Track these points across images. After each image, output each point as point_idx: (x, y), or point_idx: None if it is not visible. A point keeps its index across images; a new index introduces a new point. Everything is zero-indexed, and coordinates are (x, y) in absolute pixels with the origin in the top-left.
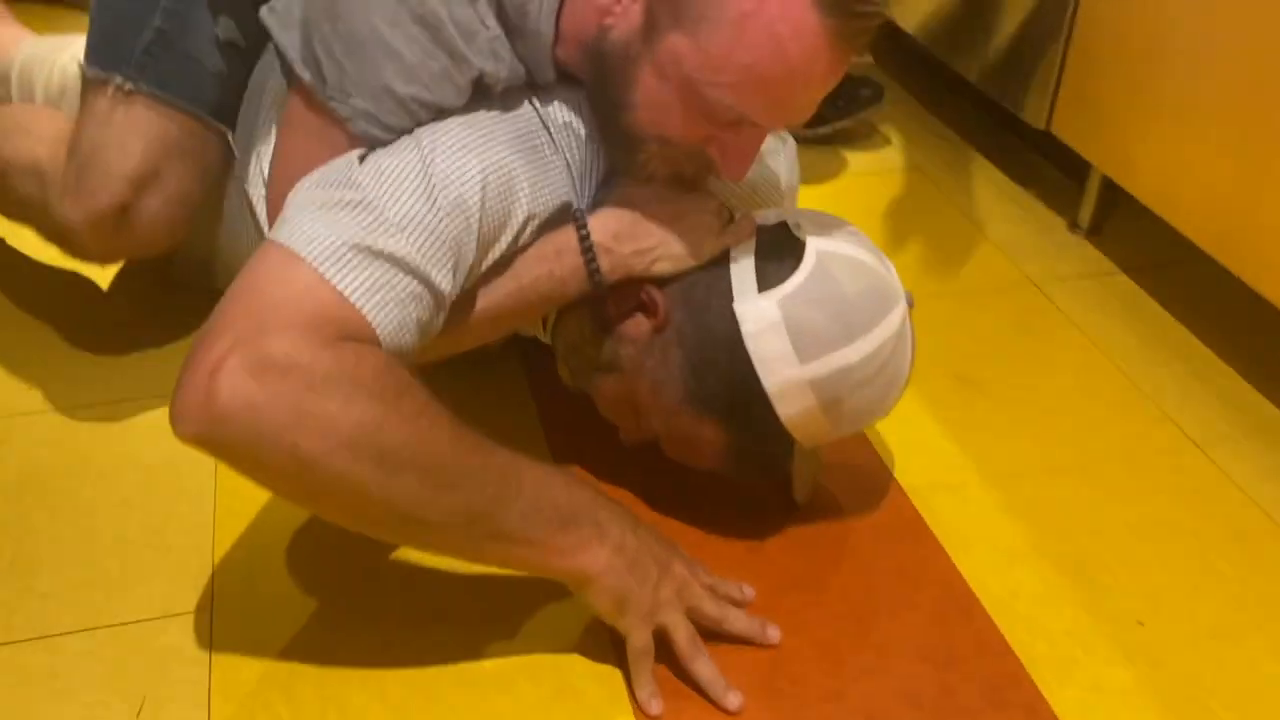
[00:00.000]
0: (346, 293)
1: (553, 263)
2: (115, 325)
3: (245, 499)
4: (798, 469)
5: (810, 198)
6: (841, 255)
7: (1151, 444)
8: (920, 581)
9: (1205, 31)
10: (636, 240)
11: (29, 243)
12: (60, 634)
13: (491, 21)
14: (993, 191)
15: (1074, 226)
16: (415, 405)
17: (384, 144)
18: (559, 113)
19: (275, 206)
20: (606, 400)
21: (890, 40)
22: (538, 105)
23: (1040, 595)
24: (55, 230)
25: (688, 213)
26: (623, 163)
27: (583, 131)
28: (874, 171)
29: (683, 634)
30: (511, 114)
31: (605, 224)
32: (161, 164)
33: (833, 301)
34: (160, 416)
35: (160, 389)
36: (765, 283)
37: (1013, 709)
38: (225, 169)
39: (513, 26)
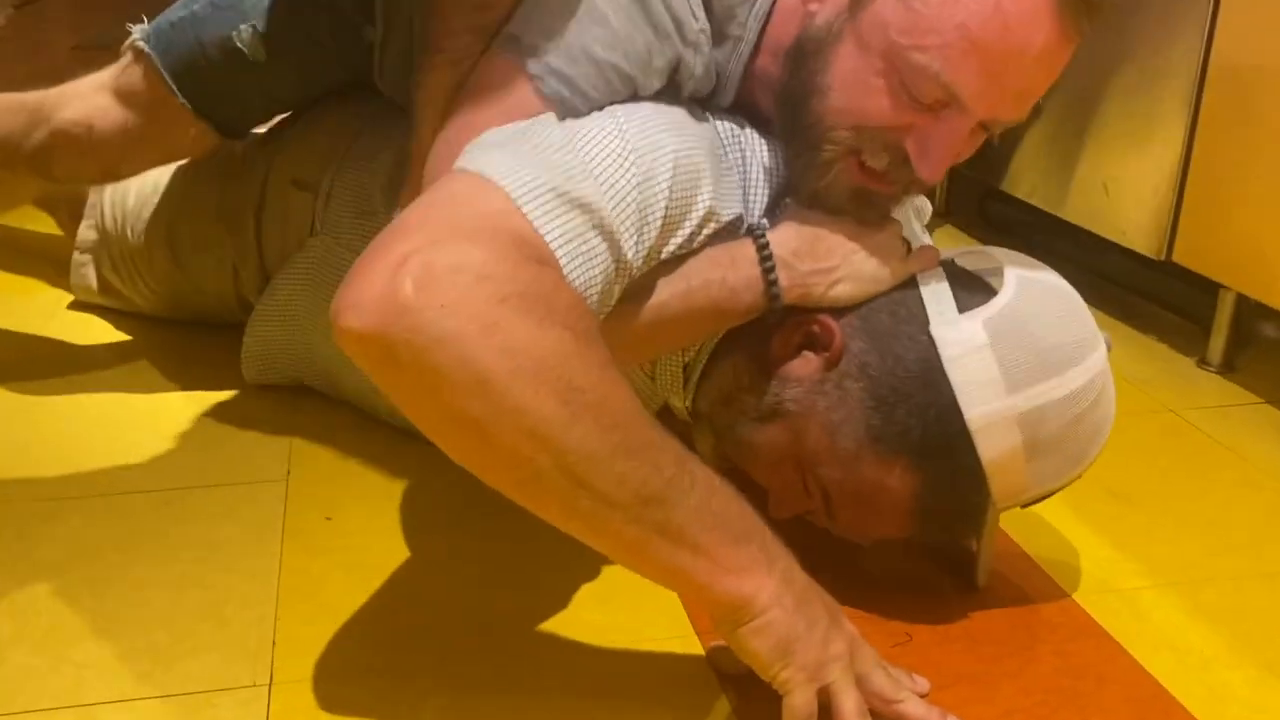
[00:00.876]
0: (544, 234)
1: (727, 269)
2: (175, 412)
3: (312, 578)
4: (985, 539)
5: None
6: (1043, 281)
7: None
8: (1105, 680)
9: None
10: (817, 259)
11: (92, 331)
12: (94, 703)
13: (701, 15)
14: (1113, 329)
15: (1203, 363)
16: (603, 355)
17: (571, 114)
18: (734, 133)
19: (435, 153)
20: (765, 456)
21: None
22: (717, 123)
23: (1252, 699)
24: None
25: (871, 233)
26: (804, 172)
27: (754, 158)
28: None
29: (851, 703)
30: (696, 120)
31: (785, 238)
32: (124, 113)
33: (1041, 328)
34: (221, 501)
35: (220, 478)
36: (964, 305)
37: None
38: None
39: (717, 28)
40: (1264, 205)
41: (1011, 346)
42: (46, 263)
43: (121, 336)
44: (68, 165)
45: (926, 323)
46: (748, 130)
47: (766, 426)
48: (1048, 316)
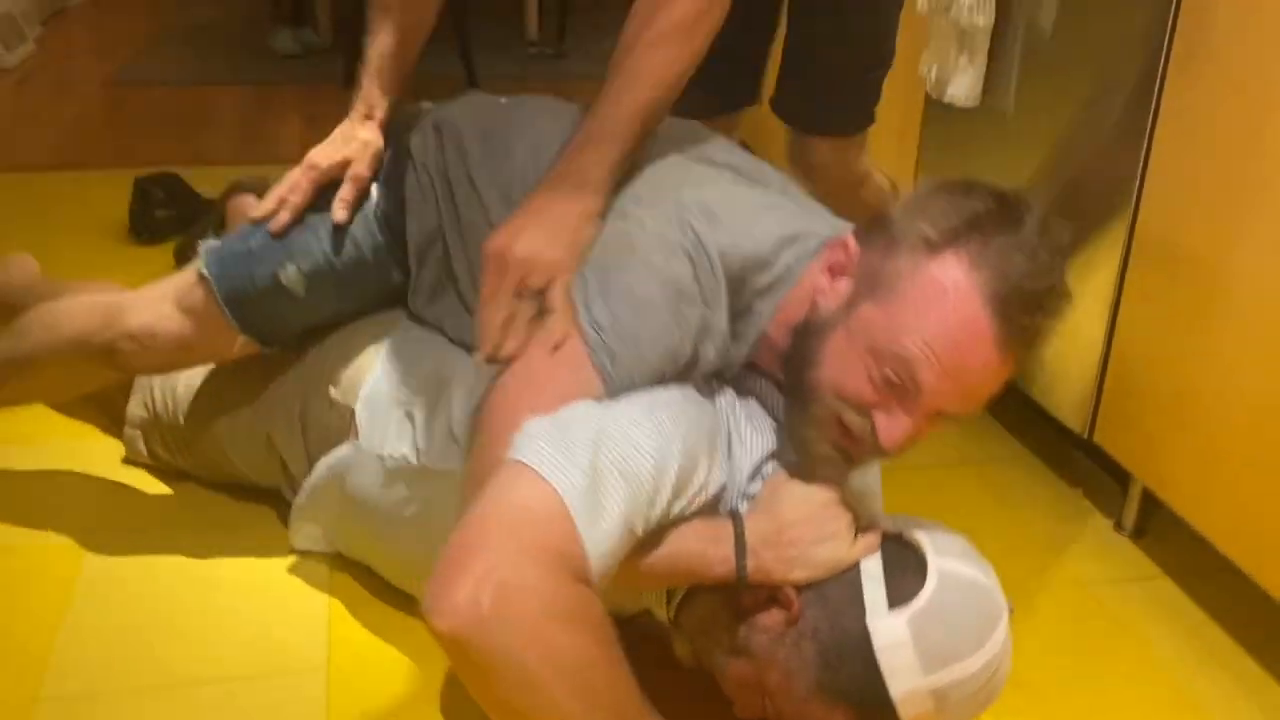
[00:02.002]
0: (585, 537)
1: (708, 545)
2: (217, 584)
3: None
4: None
5: None
6: (959, 575)
7: None
8: None
9: (1239, 355)
10: (781, 548)
11: (143, 481)
12: None
13: (723, 318)
14: (1041, 490)
15: (1119, 527)
16: (617, 655)
17: (612, 390)
18: (733, 405)
19: (500, 411)
20: (734, 681)
21: None
22: (725, 395)
23: None
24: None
25: (826, 526)
26: (798, 422)
27: (749, 424)
28: (927, 465)
29: None
30: (705, 401)
31: (757, 527)
32: (183, 323)
33: (954, 620)
34: (264, 694)
35: (262, 667)
36: (895, 598)
37: None
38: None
39: (742, 306)
40: (1171, 408)
41: (928, 638)
42: (104, 415)
43: (164, 489)
44: (132, 361)
45: (864, 613)
46: (749, 400)
47: (735, 660)
48: (960, 610)
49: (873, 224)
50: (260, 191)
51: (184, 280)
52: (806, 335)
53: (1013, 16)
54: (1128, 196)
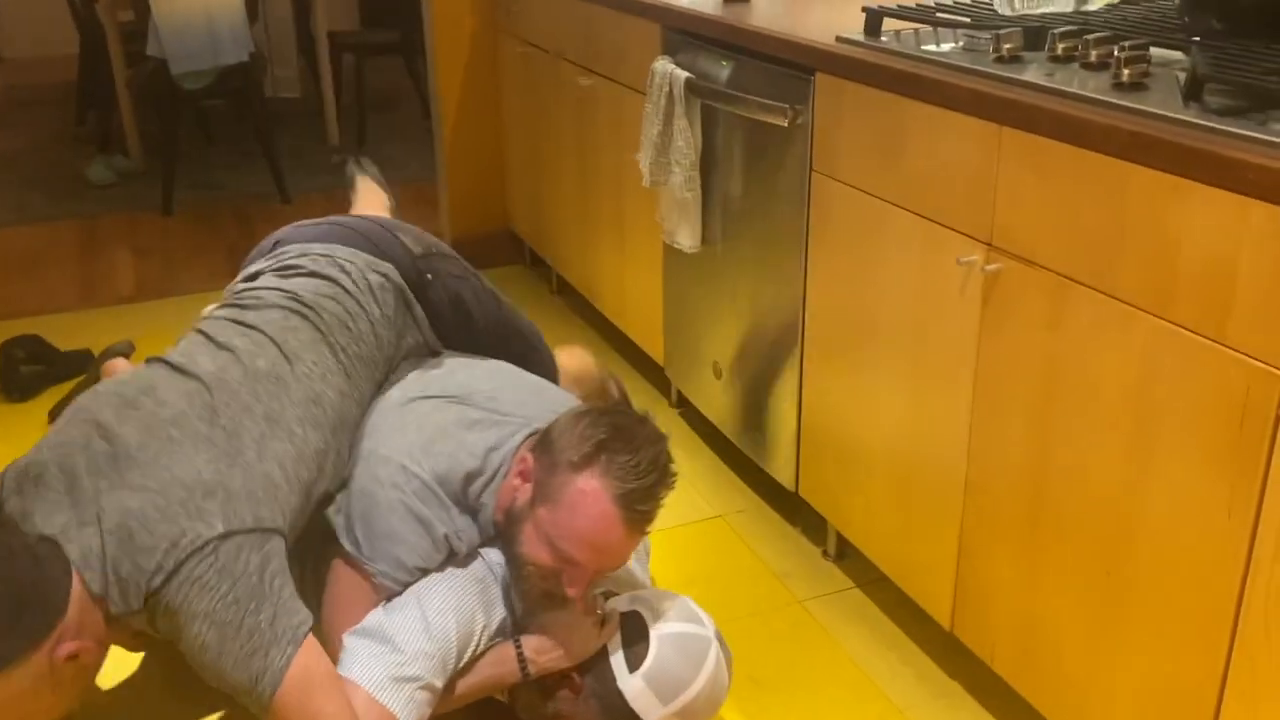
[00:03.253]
0: (391, 708)
1: (499, 667)
2: None
3: None
4: None
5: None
6: (672, 633)
7: (870, 712)
8: None
9: (885, 414)
10: (549, 652)
11: None
12: None
13: (460, 519)
14: (770, 529)
15: (825, 554)
16: None
17: (395, 590)
18: (495, 556)
19: (330, 624)
20: None
21: (698, 419)
22: (483, 555)
23: None
24: None
25: (576, 629)
26: (516, 580)
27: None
28: (690, 521)
29: None
30: (469, 567)
31: (530, 643)
32: None
33: (674, 665)
34: None
35: None
36: (632, 664)
37: None
38: None
39: (470, 508)
40: (846, 472)
41: (660, 683)
42: None
43: None
44: None
45: (614, 679)
46: (497, 552)
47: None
48: (676, 657)
49: (543, 439)
50: (126, 354)
51: None
52: (510, 521)
53: (714, 190)
54: (797, 306)
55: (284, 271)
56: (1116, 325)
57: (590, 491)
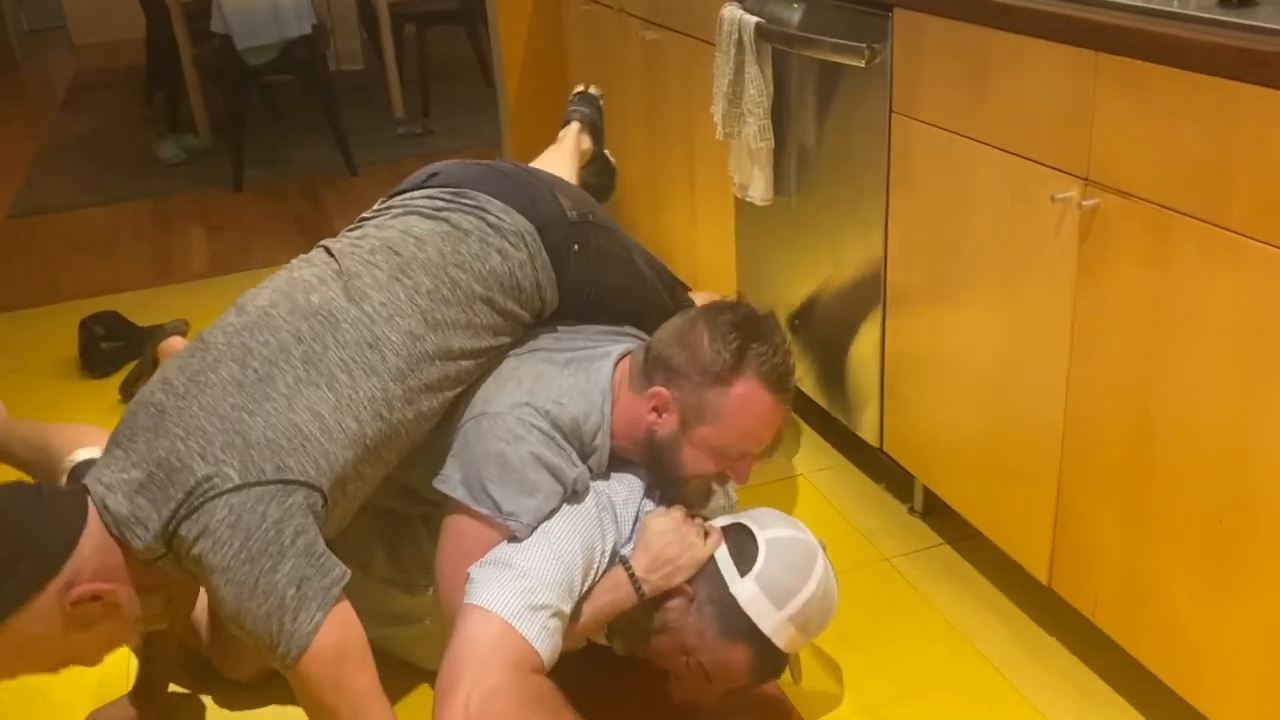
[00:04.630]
0: (528, 638)
1: (614, 593)
2: None
3: None
4: (792, 664)
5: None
6: (780, 538)
7: (966, 670)
8: None
9: (971, 372)
10: (659, 569)
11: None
12: None
13: (578, 461)
14: (853, 488)
15: (911, 510)
16: (572, 715)
17: (525, 537)
18: (610, 490)
19: (446, 577)
20: (662, 651)
21: None
22: (601, 490)
23: None
24: None
25: (682, 542)
26: (675, 492)
27: (619, 501)
28: (773, 480)
29: None
30: (586, 503)
31: (639, 561)
32: None
33: (785, 568)
34: None
35: None
36: (743, 569)
37: None
38: None
39: (590, 449)
40: (936, 423)
41: (773, 587)
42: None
43: None
44: None
45: (726, 584)
46: (611, 483)
47: (660, 635)
48: (787, 560)
49: (655, 366)
50: (184, 333)
51: None
52: (659, 451)
53: (788, 139)
54: (878, 256)
55: (413, 203)
56: (1226, 257)
57: (750, 393)
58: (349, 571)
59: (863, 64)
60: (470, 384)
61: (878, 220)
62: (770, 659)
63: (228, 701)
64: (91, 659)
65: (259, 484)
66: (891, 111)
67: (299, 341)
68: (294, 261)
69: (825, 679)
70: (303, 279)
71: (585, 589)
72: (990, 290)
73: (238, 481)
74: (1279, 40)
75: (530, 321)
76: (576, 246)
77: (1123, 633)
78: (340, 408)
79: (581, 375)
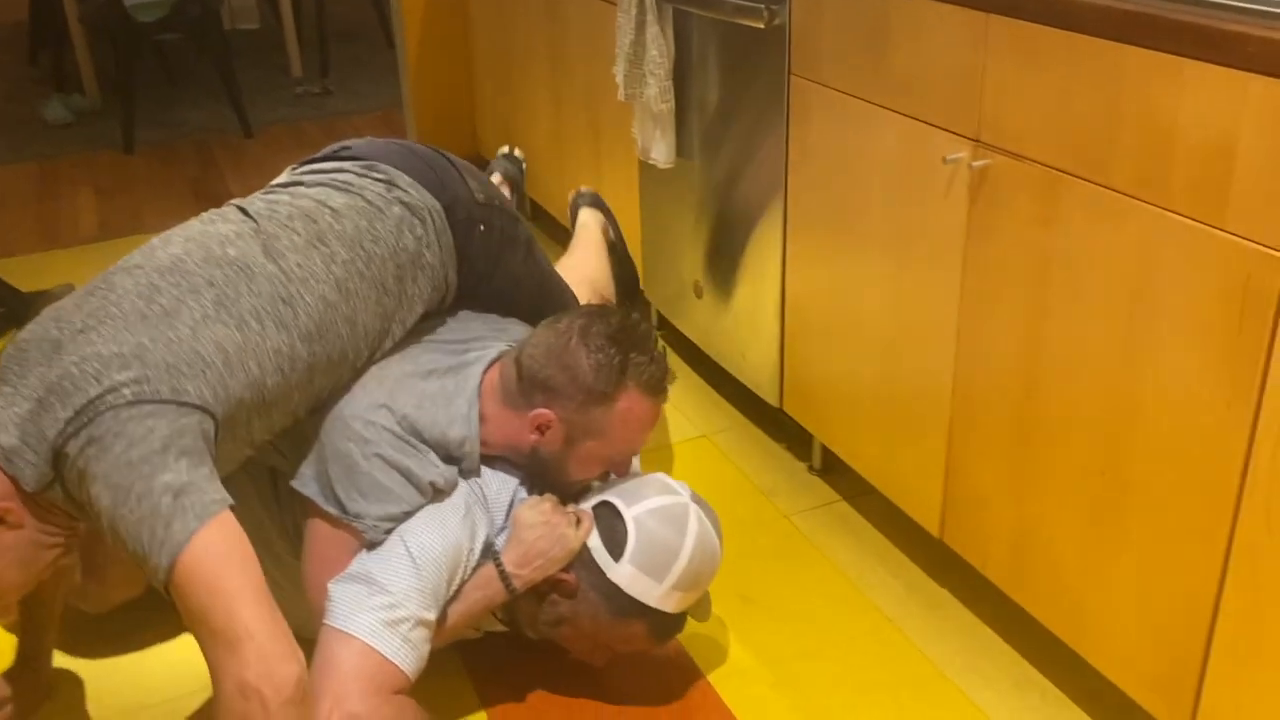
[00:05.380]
0: (386, 655)
1: (484, 589)
2: None
3: None
4: (693, 610)
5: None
6: (646, 510)
7: (862, 623)
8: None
9: (869, 326)
10: (531, 563)
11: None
12: None
13: (438, 462)
14: (754, 447)
15: (810, 469)
16: None
17: (379, 540)
18: (483, 481)
19: (317, 585)
20: (570, 640)
21: (679, 340)
22: (473, 483)
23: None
24: None
25: (553, 535)
26: (561, 493)
27: (491, 493)
28: (676, 441)
29: None
30: (454, 500)
31: (511, 556)
32: None
33: (656, 541)
34: None
35: None
36: (615, 553)
37: None
38: None
39: (449, 455)
40: (831, 385)
41: (648, 563)
42: None
43: None
44: None
45: (603, 571)
46: (484, 474)
47: (559, 627)
48: (656, 533)
49: (533, 386)
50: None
51: None
52: (544, 464)
53: (690, 101)
54: (777, 218)
55: (326, 174)
56: (1111, 217)
57: (633, 405)
58: (231, 500)
59: (762, 25)
60: (354, 375)
61: (777, 182)
62: (667, 622)
63: (111, 677)
64: (6, 589)
65: (151, 401)
66: (790, 74)
67: (211, 286)
68: (204, 215)
69: (727, 636)
70: (218, 232)
71: (455, 588)
72: (884, 250)
73: (129, 398)
74: (1165, 4)
75: (432, 305)
76: (482, 227)
77: (1010, 583)
78: (245, 349)
79: (448, 382)
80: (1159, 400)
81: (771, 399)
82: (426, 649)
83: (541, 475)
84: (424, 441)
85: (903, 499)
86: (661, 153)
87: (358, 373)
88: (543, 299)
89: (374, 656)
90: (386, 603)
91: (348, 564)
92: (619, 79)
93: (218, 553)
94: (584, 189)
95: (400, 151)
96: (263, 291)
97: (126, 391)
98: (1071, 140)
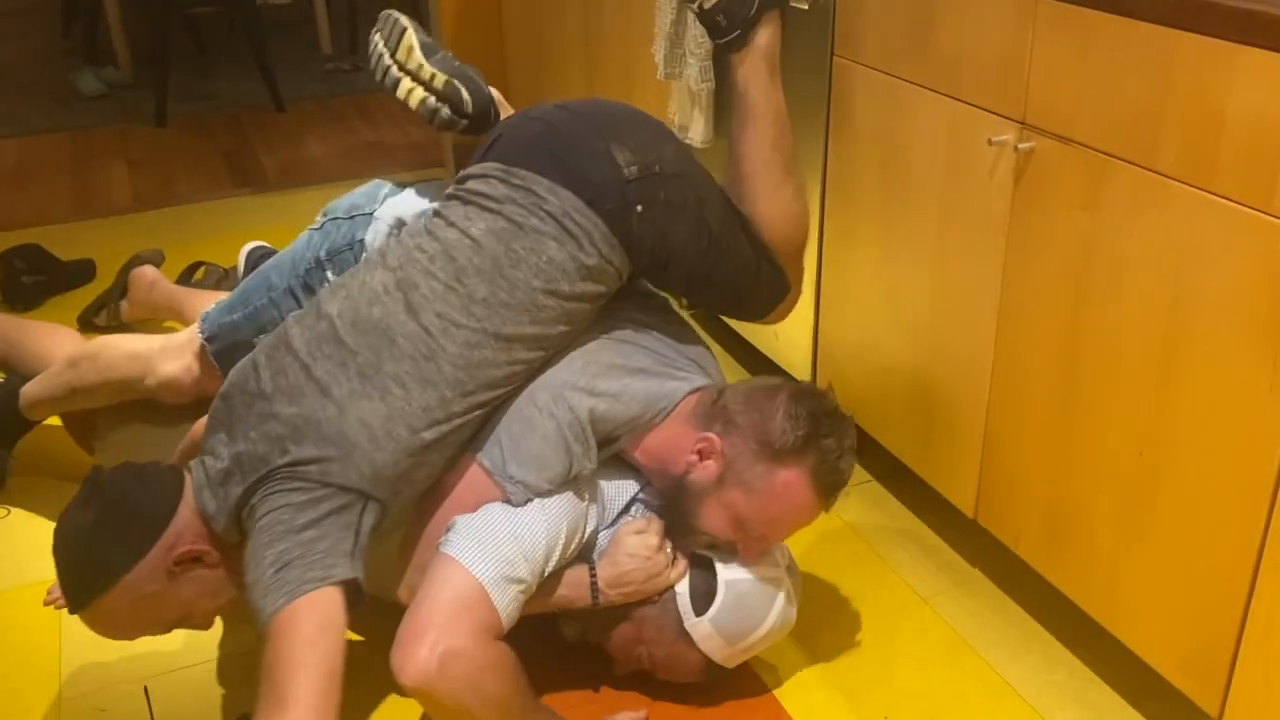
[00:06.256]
0: (497, 606)
1: (570, 590)
2: None
3: None
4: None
5: None
6: (740, 581)
7: (893, 600)
8: None
9: (905, 305)
10: (620, 587)
11: None
12: None
13: (594, 457)
14: None
15: None
16: (524, 682)
17: (517, 502)
18: (605, 482)
19: (444, 519)
20: (619, 641)
21: (708, 320)
22: (601, 486)
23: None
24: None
25: (649, 569)
26: (681, 540)
27: (610, 497)
28: None
29: None
30: (580, 492)
31: (605, 573)
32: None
33: (741, 611)
34: None
35: None
36: (699, 609)
37: None
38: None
39: (610, 441)
40: (867, 360)
41: (727, 627)
42: None
43: None
44: (165, 397)
45: (681, 620)
46: (606, 472)
47: (620, 625)
48: (742, 605)
49: (719, 414)
50: (156, 262)
51: (188, 338)
52: (684, 493)
53: (730, 81)
54: (815, 198)
55: (474, 193)
56: (1156, 201)
57: (797, 483)
58: (339, 578)
59: (805, 6)
60: (530, 378)
61: (816, 162)
62: (719, 671)
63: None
64: (201, 621)
65: (302, 480)
66: (833, 54)
67: (356, 355)
68: (367, 258)
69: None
70: (370, 287)
71: (555, 567)
72: (924, 232)
73: (284, 475)
74: None
75: (615, 286)
76: (639, 207)
77: (1044, 563)
78: (392, 418)
79: (654, 385)
80: (1199, 383)
81: (803, 378)
82: (518, 616)
83: (674, 507)
84: (598, 434)
85: (937, 479)
86: (699, 132)
87: (534, 375)
88: (722, 267)
89: (487, 604)
90: (511, 558)
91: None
92: (658, 58)
93: (296, 628)
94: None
95: (543, 139)
96: (404, 354)
97: (284, 472)
98: (1119, 124)
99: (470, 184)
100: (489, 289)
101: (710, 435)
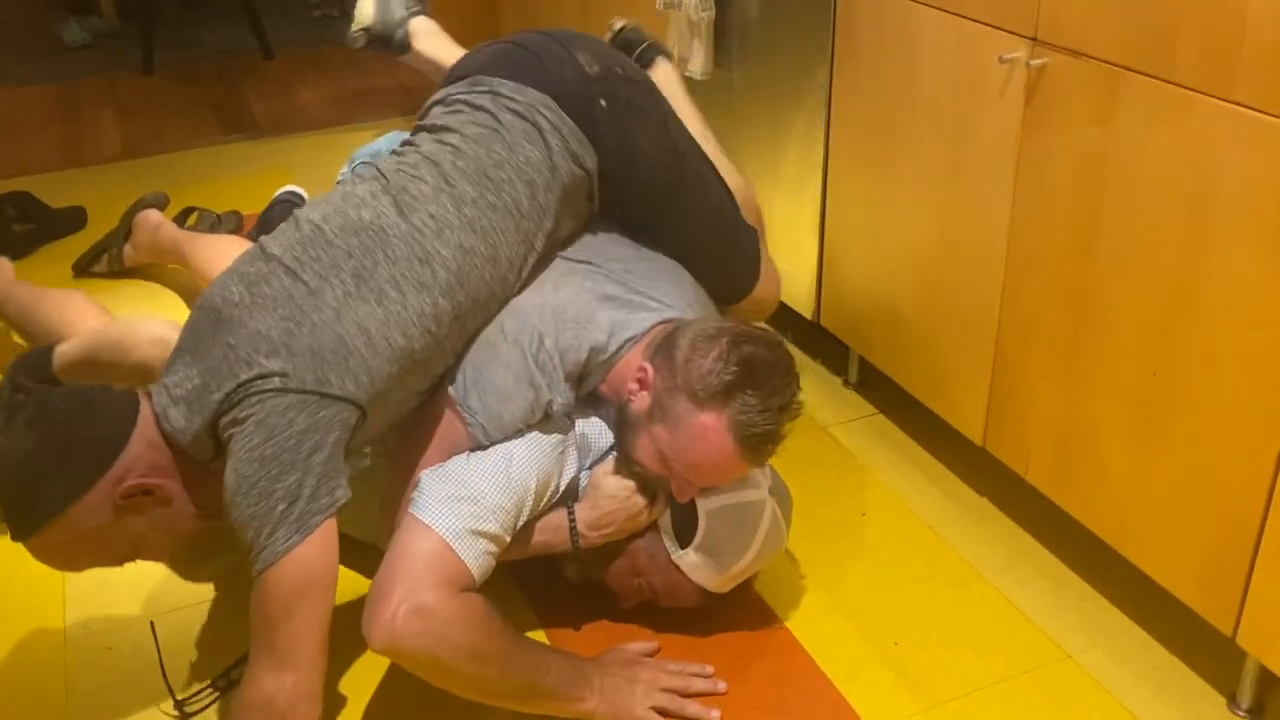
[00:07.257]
0: (464, 559)
1: (549, 535)
2: None
3: None
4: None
5: None
6: (719, 506)
7: (901, 530)
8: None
9: (909, 242)
10: (600, 529)
11: None
12: None
13: (568, 390)
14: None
15: (846, 382)
16: (499, 626)
17: (482, 444)
18: (585, 426)
19: (409, 458)
20: (618, 574)
21: None
22: (575, 421)
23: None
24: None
25: (627, 510)
26: (625, 467)
27: (594, 436)
28: None
29: (666, 702)
30: (554, 434)
31: (584, 516)
32: None
33: (724, 538)
34: None
35: None
36: (683, 541)
37: None
38: None
39: (582, 376)
40: (872, 286)
41: (715, 557)
42: None
43: None
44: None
45: (668, 553)
46: (586, 413)
47: (616, 560)
48: (727, 531)
49: (667, 353)
50: (160, 205)
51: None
52: (623, 422)
53: (730, 11)
54: (820, 128)
55: (444, 107)
56: (1173, 112)
57: (713, 429)
58: (346, 498)
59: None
60: (504, 302)
61: (821, 91)
62: (715, 594)
63: (122, 581)
64: (155, 554)
65: (296, 391)
66: None
67: (349, 257)
68: (344, 173)
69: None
70: (355, 194)
71: (532, 514)
72: (933, 155)
73: (277, 385)
74: None
75: (582, 209)
76: (603, 102)
77: (1054, 488)
78: (388, 323)
79: (621, 314)
80: (1216, 300)
81: (807, 313)
82: (491, 567)
83: (617, 436)
84: (565, 365)
85: (945, 409)
86: (699, 63)
87: (507, 300)
88: (688, 181)
89: (452, 556)
90: (475, 512)
91: (446, 455)
92: None
93: (304, 574)
94: (624, 23)
95: (502, 53)
96: (398, 256)
97: (275, 380)
98: (1133, 34)
99: (439, 103)
100: (477, 190)
101: (647, 365)
